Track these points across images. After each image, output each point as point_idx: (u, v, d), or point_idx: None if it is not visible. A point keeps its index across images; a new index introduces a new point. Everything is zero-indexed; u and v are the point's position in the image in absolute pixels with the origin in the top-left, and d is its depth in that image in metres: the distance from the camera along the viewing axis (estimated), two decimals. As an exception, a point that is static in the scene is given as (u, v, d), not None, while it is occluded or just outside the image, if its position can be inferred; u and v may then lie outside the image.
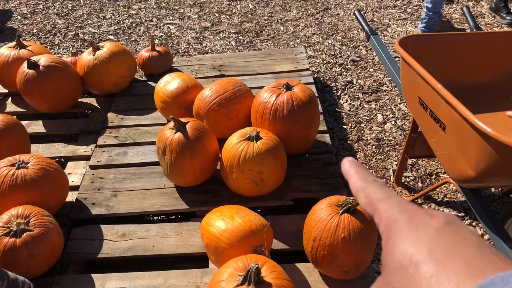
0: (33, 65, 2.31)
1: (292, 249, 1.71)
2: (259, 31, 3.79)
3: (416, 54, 1.94)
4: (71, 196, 2.00)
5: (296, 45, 3.54)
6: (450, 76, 2.00)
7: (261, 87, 2.57)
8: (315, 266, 1.57)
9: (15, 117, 2.15)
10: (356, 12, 2.59)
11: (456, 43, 2.03)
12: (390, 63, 2.23)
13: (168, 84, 2.29)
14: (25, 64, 2.34)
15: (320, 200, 1.60)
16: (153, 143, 2.27)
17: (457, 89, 1.83)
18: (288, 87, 1.99)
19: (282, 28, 3.81)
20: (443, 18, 3.57)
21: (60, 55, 3.58)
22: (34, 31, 3.96)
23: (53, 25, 4.04)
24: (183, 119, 1.89)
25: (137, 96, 2.68)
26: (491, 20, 3.67)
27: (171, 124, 1.88)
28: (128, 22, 4.04)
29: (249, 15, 4.07)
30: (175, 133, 1.83)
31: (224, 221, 1.55)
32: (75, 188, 2.06)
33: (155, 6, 4.31)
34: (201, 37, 3.74)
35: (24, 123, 2.39)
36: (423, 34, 2.06)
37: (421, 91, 1.75)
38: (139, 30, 3.90)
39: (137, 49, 3.62)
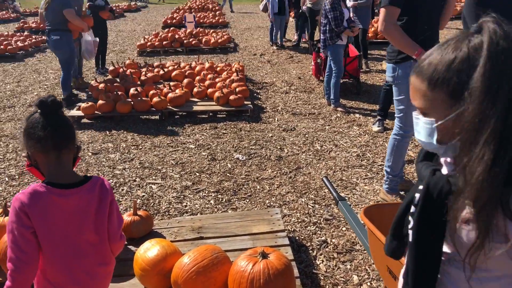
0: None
1: None
2: (237, 190, 4.02)
3: (380, 220, 2.12)
4: None
5: (271, 203, 3.74)
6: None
7: (239, 250, 2.66)
8: None
9: None
10: (324, 179, 2.85)
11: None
12: (359, 229, 2.39)
13: (148, 251, 2.36)
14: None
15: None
16: (128, 313, 2.22)
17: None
18: (264, 255, 2.08)
19: (258, 187, 4.06)
20: (405, 178, 3.91)
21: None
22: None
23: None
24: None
25: (115, 260, 2.69)
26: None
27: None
28: (112, 182, 4.24)
29: (228, 174, 4.36)
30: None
31: None
32: None
33: (139, 166, 4.59)
34: (182, 196, 3.93)
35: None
36: (385, 203, 2.28)
37: (389, 260, 1.86)
38: (122, 190, 4.08)
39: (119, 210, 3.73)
